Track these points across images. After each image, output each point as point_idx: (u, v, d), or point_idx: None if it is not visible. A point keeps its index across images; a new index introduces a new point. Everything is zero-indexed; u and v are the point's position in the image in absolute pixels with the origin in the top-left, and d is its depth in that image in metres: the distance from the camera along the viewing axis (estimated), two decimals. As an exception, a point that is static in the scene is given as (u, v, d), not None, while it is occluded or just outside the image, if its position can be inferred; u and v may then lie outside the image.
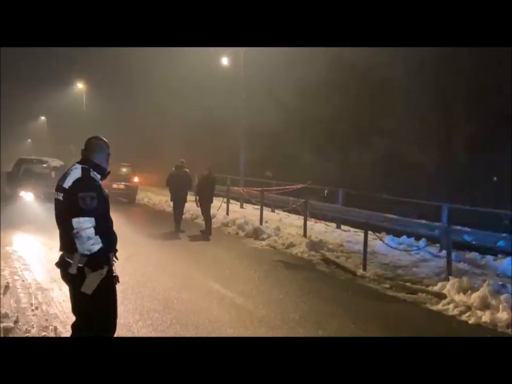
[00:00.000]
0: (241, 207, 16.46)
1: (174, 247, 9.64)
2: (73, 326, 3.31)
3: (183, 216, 11.66)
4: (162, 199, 17.09)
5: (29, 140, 57.45)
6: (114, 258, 3.34)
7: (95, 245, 3.09)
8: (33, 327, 4.73)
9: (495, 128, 22.51)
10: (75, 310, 3.29)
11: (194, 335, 4.75)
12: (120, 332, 4.17)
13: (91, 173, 3.26)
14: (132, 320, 5.08)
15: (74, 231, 3.07)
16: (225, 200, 14.58)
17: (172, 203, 11.49)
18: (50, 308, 5.39)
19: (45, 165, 15.40)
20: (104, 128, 32.72)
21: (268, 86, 24.68)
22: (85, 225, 3.06)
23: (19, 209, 12.85)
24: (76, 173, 3.23)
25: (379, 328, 5.31)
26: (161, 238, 10.38)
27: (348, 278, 7.69)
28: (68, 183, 3.19)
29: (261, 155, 25.05)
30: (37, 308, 5.34)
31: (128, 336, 4.61)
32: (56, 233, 3.34)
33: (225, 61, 20.70)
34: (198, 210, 11.55)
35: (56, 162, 15.95)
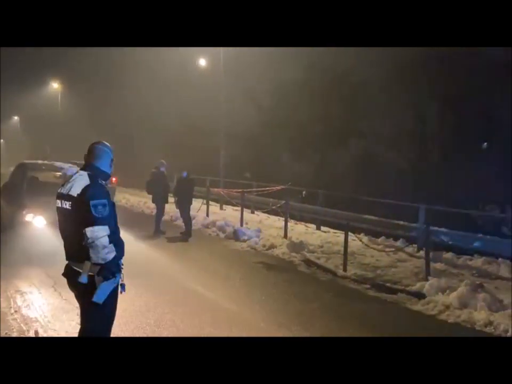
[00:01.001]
0: (221, 208, 16.42)
1: (154, 248, 9.54)
2: (80, 333, 3.25)
3: (163, 218, 11.57)
4: (140, 201, 16.90)
5: (1, 140, 56.03)
6: (122, 266, 3.28)
7: (110, 253, 3.04)
8: (14, 331, 4.62)
9: (469, 130, 23.11)
10: (84, 318, 3.22)
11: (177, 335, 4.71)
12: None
13: (99, 180, 3.20)
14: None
15: (89, 240, 2.99)
16: (205, 201, 14.52)
17: (153, 204, 11.37)
18: (30, 311, 5.27)
19: (59, 174, 9.85)
20: (80, 128, 32.20)
21: (246, 87, 24.71)
22: (100, 234, 3.00)
23: (26, 243, 7.85)
24: (83, 180, 3.13)
25: (362, 328, 5.38)
26: (141, 239, 10.25)
27: (329, 278, 7.76)
28: (75, 191, 3.08)
29: (241, 156, 25.06)
30: (16, 312, 5.22)
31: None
32: None
33: (203, 62, 20.63)
34: (178, 212, 11.47)
35: (73, 169, 9.02)
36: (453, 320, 5.77)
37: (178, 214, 11.45)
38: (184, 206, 10.91)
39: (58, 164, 10.54)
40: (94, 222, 3.01)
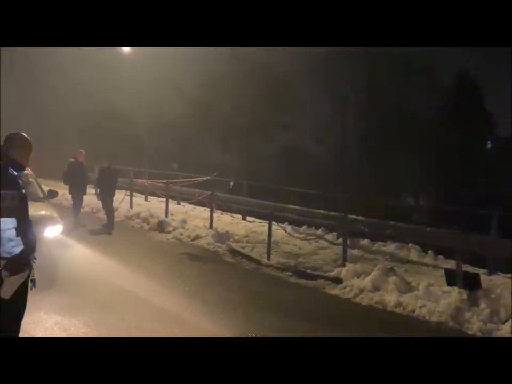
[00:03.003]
0: (146, 200, 16.05)
1: (73, 242, 9.12)
2: None
3: (83, 210, 11.10)
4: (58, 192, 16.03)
5: None
6: (34, 261, 3.13)
7: (16, 247, 2.88)
8: None
9: (387, 124, 24.51)
10: None
11: (99, 335, 4.58)
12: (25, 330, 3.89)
13: (9, 170, 3.01)
14: (37, 318, 4.75)
15: None
16: (128, 193, 14.12)
17: (70, 196, 10.85)
18: None
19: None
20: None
21: (172, 77, 24.24)
22: (5, 226, 2.84)
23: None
24: None
25: (283, 314, 5.55)
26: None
27: (253, 267, 7.91)
28: None
29: (166, 147, 24.61)
30: None
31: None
32: None
33: (126, 49, 19.88)
34: (99, 204, 11.06)
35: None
36: (367, 302, 6.15)
37: (100, 206, 11.04)
38: (106, 198, 10.54)
39: None
40: (1, 213, 2.85)
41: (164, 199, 13.07)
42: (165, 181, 14.04)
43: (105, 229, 10.32)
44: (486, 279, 6.76)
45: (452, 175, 22.14)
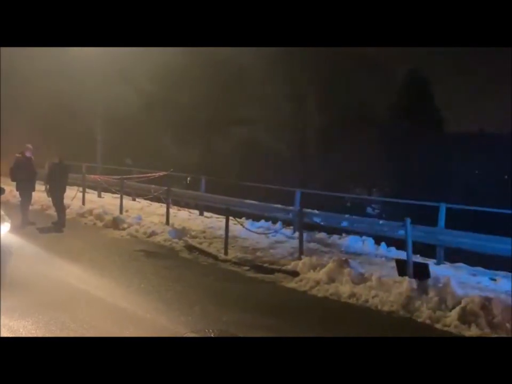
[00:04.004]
0: (99, 196, 15.62)
1: (22, 240, 8.74)
2: None
3: (32, 207, 10.66)
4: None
5: None
6: None
7: None
8: None
9: (344, 122, 25.02)
10: None
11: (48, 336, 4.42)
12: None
13: None
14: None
15: None
16: (80, 189, 13.70)
17: (18, 193, 10.39)
18: None
19: None
20: None
21: (126, 70, 23.60)
22: None
23: None
24: None
25: (241, 309, 5.56)
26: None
27: (211, 263, 7.88)
28: None
29: (121, 142, 24.00)
30: None
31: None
32: None
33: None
34: (49, 201, 10.66)
35: None
36: (322, 294, 6.26)
37: (51, 203, 10.65)
38: (57, 194, 10.19)
39: None
40: None
41: (118, 196, 12.75)
42: (119, 177, 13.71)
43: (56, 227, 9.97)
44: (434, 268, 7.03)
45: (403, 168, 22.91)
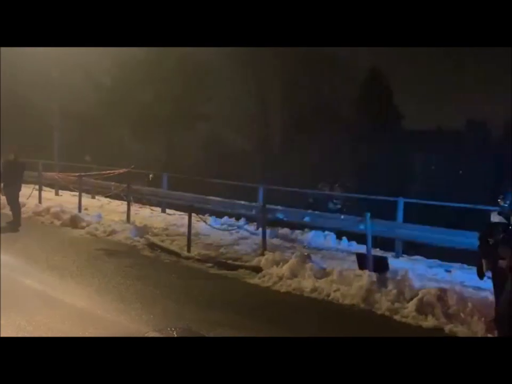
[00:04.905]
0: (57, 194, 15.15)
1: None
2: None
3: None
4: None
5: None
6: None
7: None
8: None
9: (306, 119, 25.29)
10: None
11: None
12: None
13: None
14: None
15: None
16: (36, 187, 13.23)
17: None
18: None
19: None
20: None
21: (85, 65, 22.91)
22: None
23: None
24: None
25: (204, 306, 5.53)
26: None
27: (173, 260, 7.79)
28: None
29: (79, 139, 23.35)
30: None
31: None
32: None
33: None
34: (4, 199, 10.26)
35: None
36: (285, 289, 6.31)
37: (5, 202, 10.26)
38: (11, 193, 9.88)
39: None
40: None
41: (77, 193, 12.41)
42: (77, 174, 13.33)
43: (11, 226, 9.63)
44: (393, 261, 7.22)
45: (365, 165, 23.40)
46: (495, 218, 4.53)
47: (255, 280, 6.72)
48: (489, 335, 4.73)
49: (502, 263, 4.14)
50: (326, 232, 9.34)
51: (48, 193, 14.45)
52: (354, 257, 7.04)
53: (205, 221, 9.86)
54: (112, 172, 13.64)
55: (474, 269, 4.89)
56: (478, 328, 4.91)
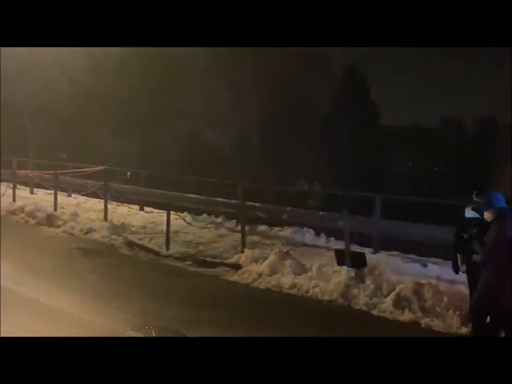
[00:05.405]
0: (32, 192, 14.81)
1: None
2: None
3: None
4: None
5: None
6: None
7: None
8: None
9: (285, 116, 25.37)
10: None
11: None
12: None
13: None
14: None
15: None
16: (10, 185, 12.93)
17: None
18: None
19: None
20: None
21: (60, 61, 22.45)
22: None
23: None
24: None
25: (183, 304, 5.49)
26: None
27: (151, 258, 7.71)
28: None
29: (55, 136, 22.92)
30: None
31: None
32: None
33: None
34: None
35: None
36: (264, 286, 6.32)
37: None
38: (-17, 191, 9.55)
39: None
40: None
41: (52, 191, 12.17)
42: (52, 172, 13.06)
43: (-16, 226, 9.35)
44: (371, 257, 7.30)
45: (344, 161, 23.62)
46: (469, 213, 4.62)
47: (235, 277, 6.71)
48: (463, 328, 4.83)
49: (476, 257, 4.22)
50: (305, 229, 9.39)
51: (22, 192, 14.13)
52: (333, 253, 7.09)
53: (183, 219, 9.79)
54: (88, 169, 13.42)
55: (450, 264, 4.99)
56: (453, 321, 5.02)
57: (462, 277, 4.90)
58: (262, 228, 9.75)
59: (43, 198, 13.28)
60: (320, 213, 9.20)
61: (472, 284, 4.49)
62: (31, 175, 14.28)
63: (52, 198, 11.85)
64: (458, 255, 4.69)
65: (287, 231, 9.49)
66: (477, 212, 4.44)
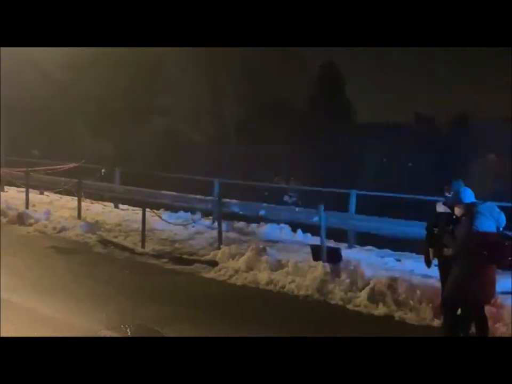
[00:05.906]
0: (2, 190, 14.44)
1: None
2: None
3: None
4: None
5: None
6: None
7: None
8: None
9: (262, 113, 25.40)
10: None
11: None
12: None
13: None
14: None
15: None
16: (-21, 183, 12.58)
17: None
18: None
19: None
20: None
21: (32, 56, 21.91)
22: None
23: None
24: None
25: (159, 302, 5.46)
26: None
27: (127, 256, 7.64)
28: None
29: (27, 132, 22.38)
30: None
31: None
32: None
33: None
34: None
35: None
36: (241, 282, 6.34)
37: None
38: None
39: None
40: None
41: (24, 189, 11.90)
42: (24, 169, 12.76)
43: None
44: (346, 252, 7.39)
45: (319, 158, 23.79)
46: (440, 208, 4.72)
47: (211, 274, 6.71)
48: (436, 320, 4.94)
49: (446, 251, 4.33)
50: (282, 225, 9.44)
51: (-8, 190, 13.77)
52: (308, 249, 7.15)
53: (159, 216, 9.70)
54: (61, 166, 13.16)
55: (423, 258, 5.09)
56: (426, 314, 5.13)
57: (435, 270, 5.01)
58: (239, 224, 9.76)
59: (14, 195, 12.96)
60: (297, 209, 9.26)
61: (443, 277, 4.59)
62: (1, 172, 13.92)
63: (23, 195, 11.61)
64: (430, 249, 4.78)
65: (264, 227, 9.53)
66: (448, 206, 4.54)
